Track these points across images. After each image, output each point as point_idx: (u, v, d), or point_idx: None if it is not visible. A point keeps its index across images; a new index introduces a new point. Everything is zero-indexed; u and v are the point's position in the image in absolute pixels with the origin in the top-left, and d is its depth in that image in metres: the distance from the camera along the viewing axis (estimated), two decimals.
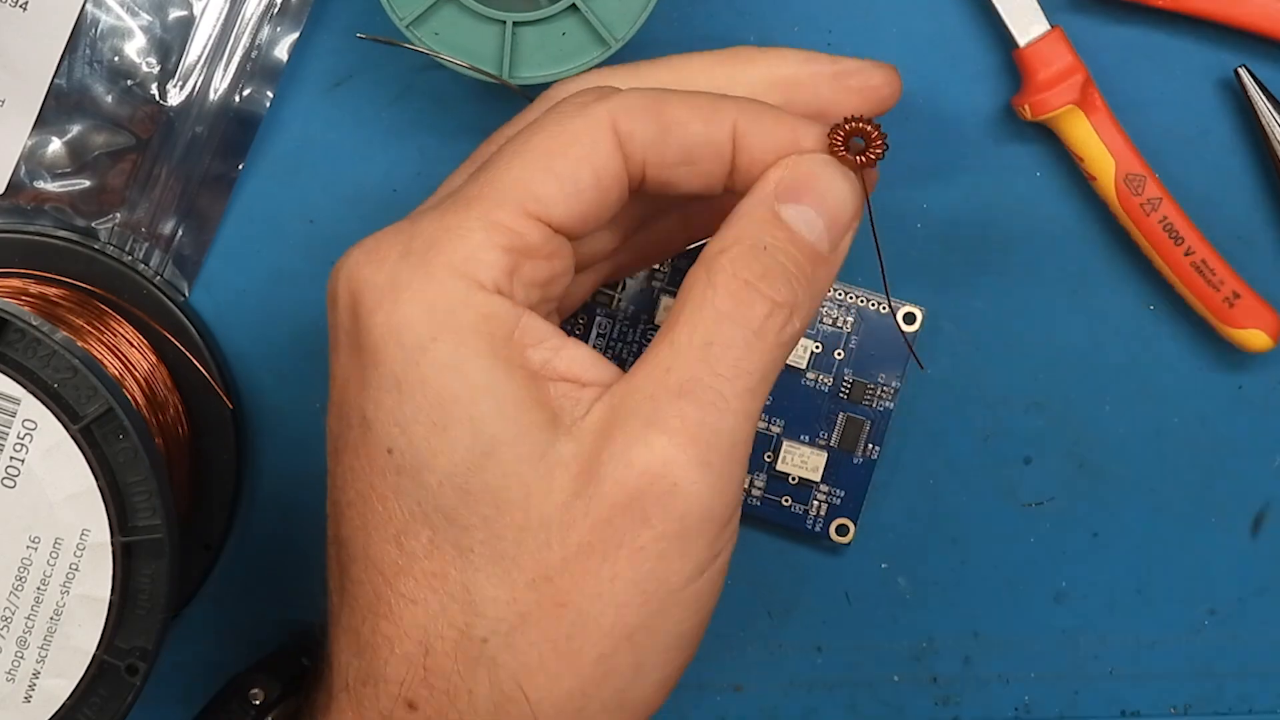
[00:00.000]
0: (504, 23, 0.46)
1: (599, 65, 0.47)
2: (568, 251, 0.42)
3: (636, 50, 0.47)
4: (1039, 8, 0.49)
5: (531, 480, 0.40)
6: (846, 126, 0.42)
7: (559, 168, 0.41)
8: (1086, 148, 0.50)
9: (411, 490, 0.40)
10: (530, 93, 0.47)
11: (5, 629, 0.42)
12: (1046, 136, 0.51)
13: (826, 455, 0.51)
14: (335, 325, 0.42)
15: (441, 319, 0.40)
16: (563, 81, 0.45)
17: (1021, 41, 0.49)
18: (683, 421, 0.40)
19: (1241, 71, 0.50)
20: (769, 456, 0.51)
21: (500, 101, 0.50)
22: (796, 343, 0.42)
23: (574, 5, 0.46)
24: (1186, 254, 0.50)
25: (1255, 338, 0.50)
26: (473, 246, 0.40)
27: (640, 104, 0.42)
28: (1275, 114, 0.50)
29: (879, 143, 0.42)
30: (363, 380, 0.41)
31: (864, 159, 0.42)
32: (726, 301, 0.41)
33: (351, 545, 0.41)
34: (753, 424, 0.41)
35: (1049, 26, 0.49)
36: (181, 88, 0.50)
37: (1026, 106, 0.49)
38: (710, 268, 0.41)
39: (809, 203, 0.42)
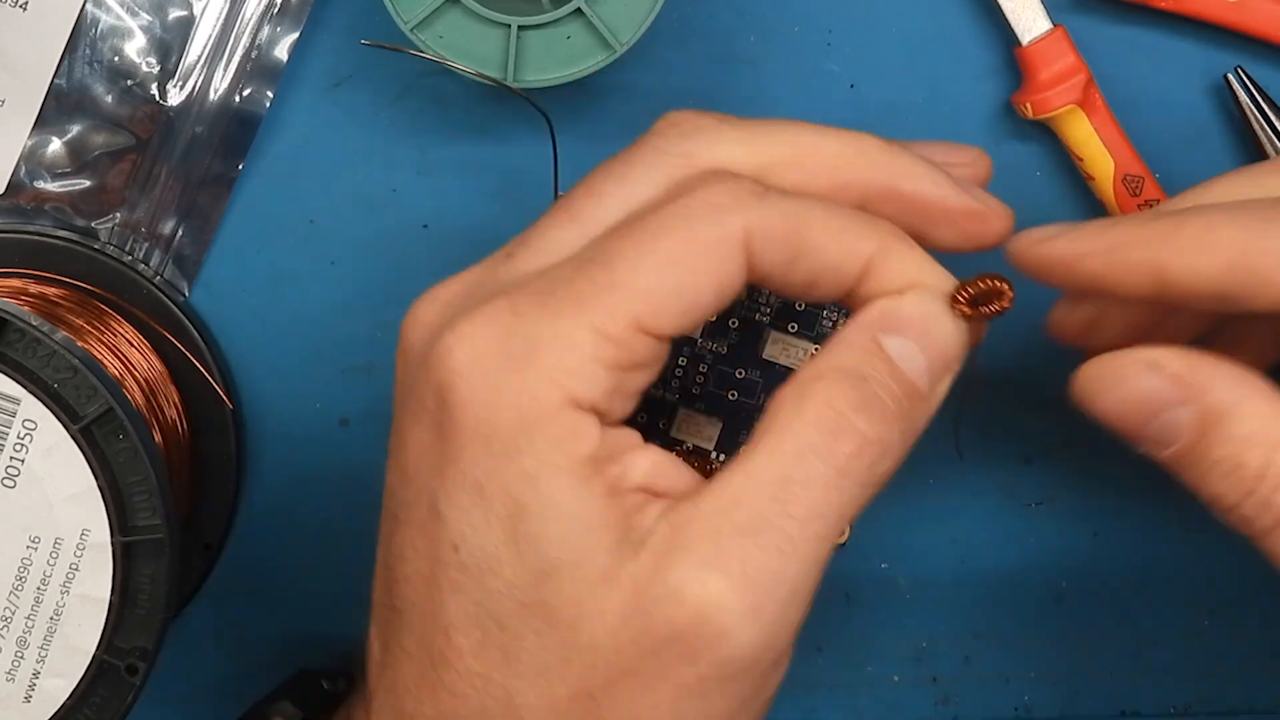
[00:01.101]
0: (509, 26, 0.46)
1: (602, 69, 0.47)
2: (666, 352, 0.41)
3: (640, 54, 0.47)
4: (1042, 7, 0.49)
5: (588, 603, 0.39)
6: (982, 285, 0.40)
7: (684, 281, 0.39)
8: (1086, 148, 0.50)
9: (471, 590, 0.39)
10: (533, 96, 0.47)
11: (5, 629, 0.42)
12: (1046, 136, 0.51)
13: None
14: (413, 392, 0.41)
15: (533, 432, 0.39)
16: (683, 123, 0.42)
17: (1024, 40, 0.49)
18: (743, 565, 0.38)
19: (1231, 76, 0.50)
20: None
21: (502, 103, 0.50)
22: (883, 485, 0.40)
23: (579, 9, 0.46)
24: None
25: None
26: (579, 360, 0.39)
27: (781, 224, 0.40)
28: (1265, 118, 0.50)
29: (1006, 302, 0.41)
30: (440, 468, 0.40)
31: (984, 312, 0.41)
32: (814, 433, 0.39)
33: (406, 616, 0.41)
34: (820, 569, 0.39)
35: (1051, 25, 0.49)
36: (181, 88, 0.50)
37: (1028, 105, 0.49)
38: (802, 393, 0.39)
39: (913, 338, 0.40)
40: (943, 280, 0.41)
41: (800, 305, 0.48)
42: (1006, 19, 0.49)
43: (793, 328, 0.48)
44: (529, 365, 0.39)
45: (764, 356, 0.48)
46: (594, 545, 0.39)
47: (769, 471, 0.39)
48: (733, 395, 0.48)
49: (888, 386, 0.40)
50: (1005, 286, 0.40)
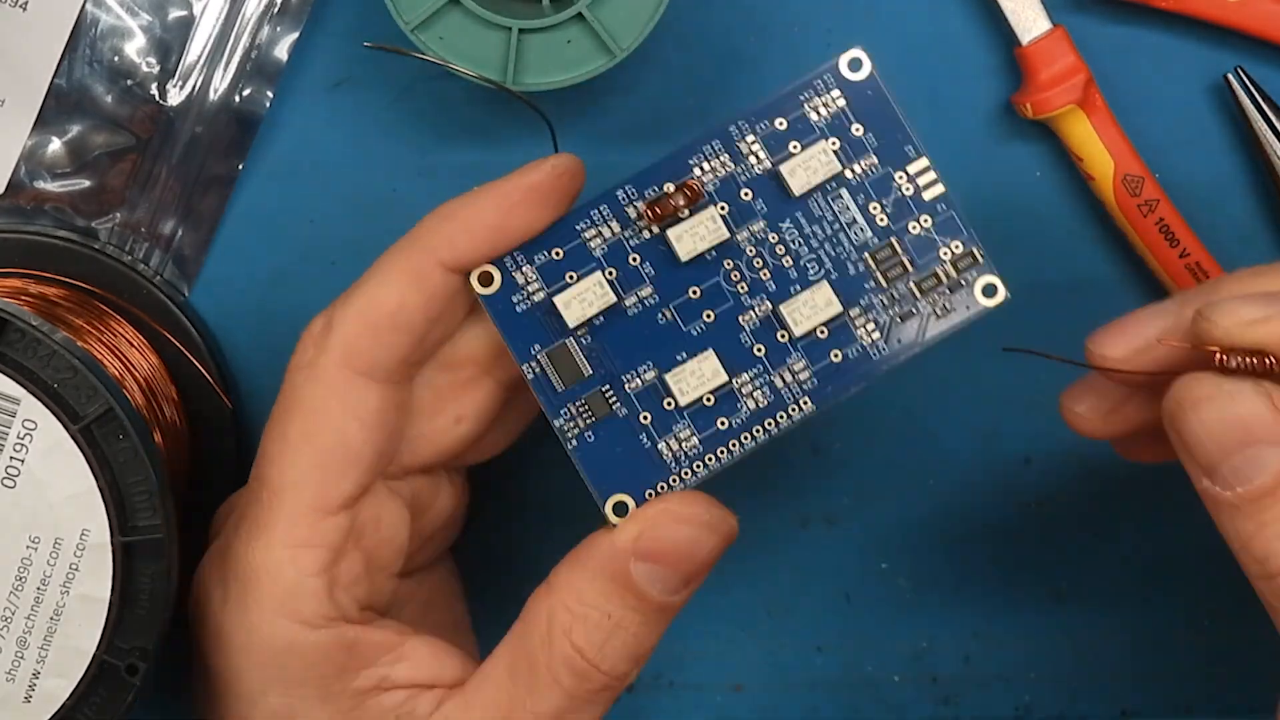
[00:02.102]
0: (509, 29, 0.46)
1: (603, 73, 0.47)
2: (381, 508, 0.44)
3: (640, 55, 0.47)
4: (1042, 7, 0.49)
5: None
6: None
7: (326, 445, 0.42)
8: (1086, 147, 0.50)
9: None
10: (533, 98, 0.47)
11: (5, 629, 0.42)
12: (1046, 136, 0.51)
13: (828, 285, 0.44)
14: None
15: (269, 672, 0.42)
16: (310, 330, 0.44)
17: (1024, 40, 0.49)
18: None
19: (1231, 76, 0.50)
20: (781, 336, 0.44)
21: (501, 104, 0.50)
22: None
23: (580, 14, 0.46)
24: (1181, 255, 0.50)
25: None
26: (289, 582, 0.42)
27: (358, 331, 0.43)
28: (1265, 118, 0.50)
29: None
30: (210, 704, 0.44)
31: None
32: (561, 669, 0.42)
33: None
34: None
35: (1052, 25, 0.49)
36: (181, 88, 0.50)
37: (1028, 105, 0.49)
38: (553, 624, 0.42)
39: (668, 564, 0.42)
40: None
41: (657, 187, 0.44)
42: (1006, 19, 0.49)
43: (683, 213, 0.44)
44: (249, 606, 0.42)
45: (684, 258, 0.44)
46: None
47: (525, 701, 0.42)
48: (708, 317, 0.44)
49: (634, 620, 0.42)
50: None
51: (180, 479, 0.50)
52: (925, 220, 0.44)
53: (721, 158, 0.44)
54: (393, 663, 0.43)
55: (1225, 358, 0.39)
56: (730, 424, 0.44)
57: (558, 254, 0.43)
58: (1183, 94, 0.51)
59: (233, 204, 0.51)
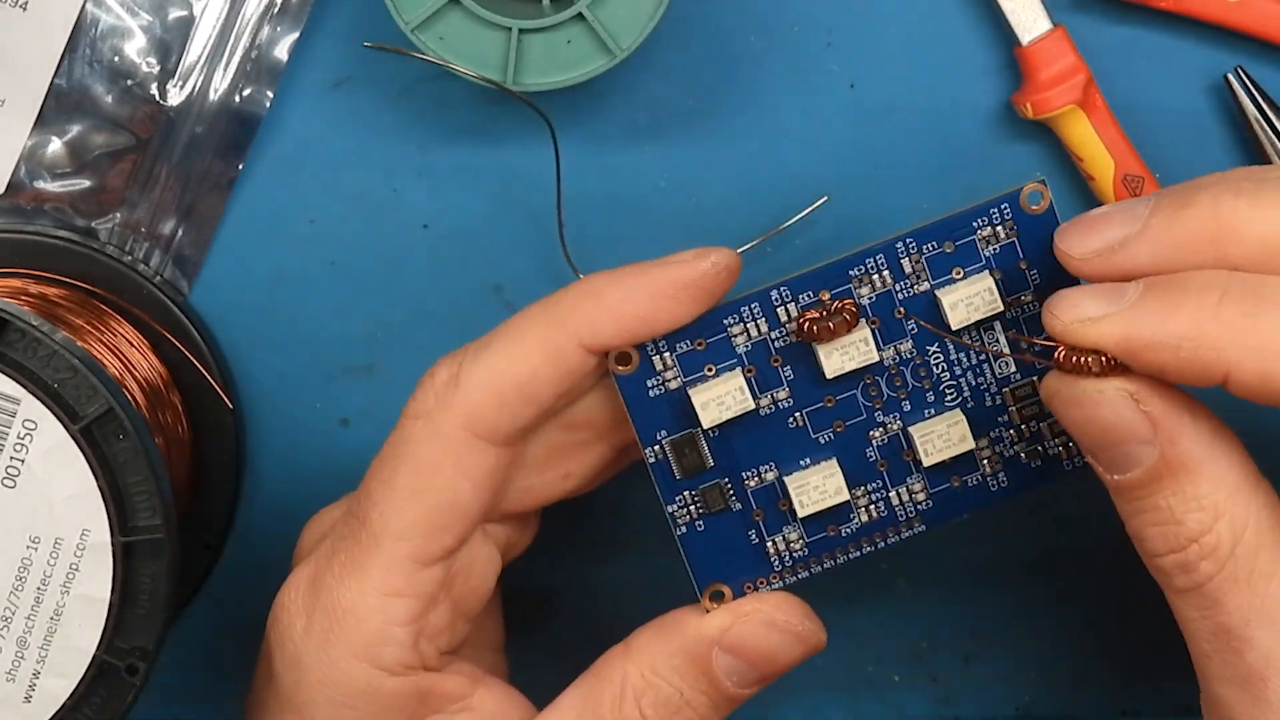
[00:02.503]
0: (510, 29, 0.46)
1: (603, 73, 0.47)
2: (472, 557, 0.44)
3: (640, 56, 0.47)
4: (1042, 7, 0.49)
5: None
6: None
7: (432, 503, 0.42)
8: (1086, 147, 0.50)
9: None
10: (533, 98, 0.47)
11: (5, 629, 0.42)
12: (1046, 136, 0.51)
13: (964, 417, 0.44)
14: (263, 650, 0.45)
15: (342, 711, 0.42)
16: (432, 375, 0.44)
17: (1024, 40, 0.49)
18: None
19: (1231, 77, 0.50)
20: (906, 455, 0.44)
21: (501, 104, 0.50)
22: None
23: (580, 14, 0.46)
24: None
25: None
26: (372, 631, 0.42)
27: (486, 396, 0.42)
28: (1265, 118, 0.50)
29: None
30: (265, 700, 0.44)
31: None
32: None
33: None
34: None
35: (1052, 25, 0.49)
36: (181, 88, 0.50)
37: (1028, 105, 0.49)
38: (624, 688, 0.42)
39: (749, 661, 0.43)
40: None
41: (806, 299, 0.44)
42: (1006, 19, 0.49)
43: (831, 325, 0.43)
44: (331, 644, 0.42)
45: (829, 375, 0.43)
46: None
47: None
48: (838, 427, 0.44)
49: (705, 704, 0.43)
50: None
51: (180, 479, 0.50)
52: None
53: (883, 274, 0.43)
54: (458, 712, 0.43)
55: (1063, 357, 0.39)
56: (840, 533, 0.44)
57: (700, 345, 0.43)
58: (1183, 94, 0.51)
59: (233, 204, 0.51)
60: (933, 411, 0.43)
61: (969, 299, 0.43)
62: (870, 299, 0.43)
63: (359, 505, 0.43)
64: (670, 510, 0.43)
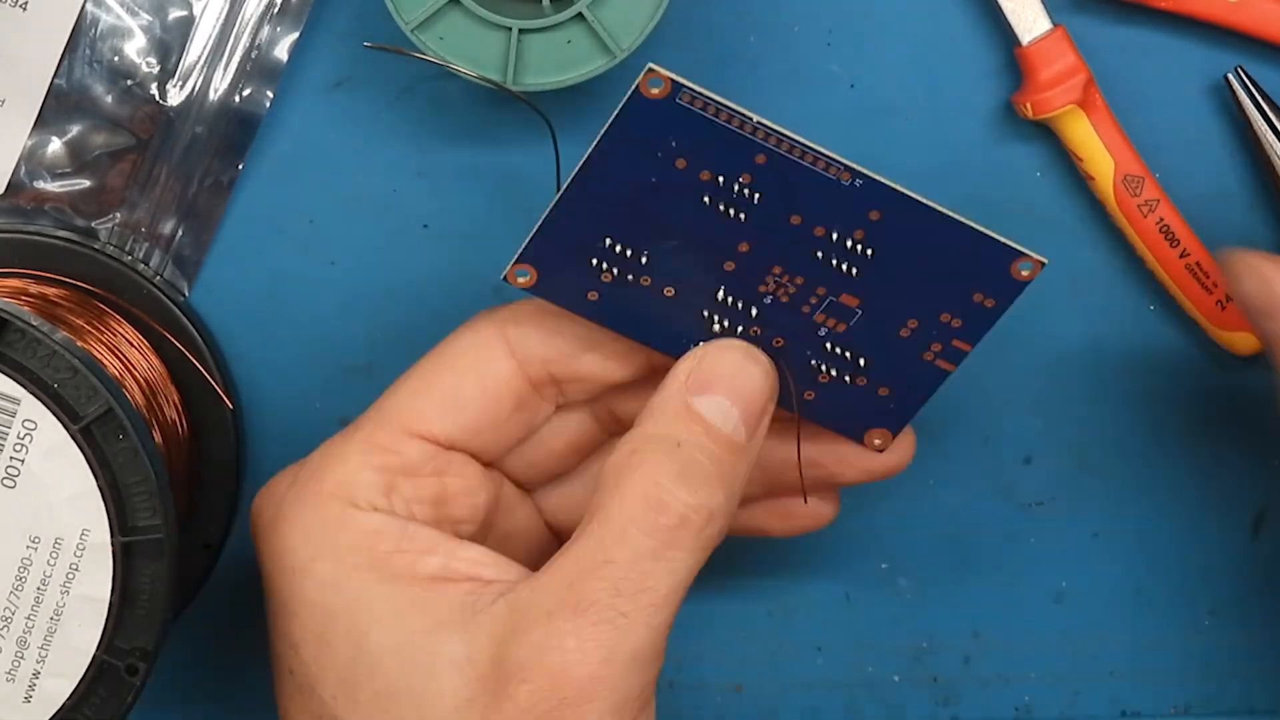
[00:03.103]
0: (509, 29, 0.46)
1: (603, 73, 0.47)
2: (468, 469, 0.44)
3: (640, 56, 0.47)
4: (1042, 6, 0.49)
5: (419, 685, 0.40)
6: None
7: (441, 382, 0.43)
8: (1086, 148, 0.50)
9: (312, 706, 0.42)
10: (533, 99, 0.47)
11: (5, 629, 0.42)
12: (1046, 136, 0.51)
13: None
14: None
15: (318, 541, 0.42)
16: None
17: (1024, 40, 0.49)
18: (578, 640, 0.39)
19: (1231, 77, 0.50)
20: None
21: (501, 105, 0.50)
22: (718, 542, 0.41)
23: (580, 14, 0.46)
24: (1181, 255, 0.50)
25: (1243, 340, 0.50)
26: (349, 470, 0.42)
27: (529, 309, 0.44)
28: (1265, 118, 0.50)
29: None
30: (267, 606, 0.43)
31: None
32: (635, 508, 0.40)
33: None
34: (660, 633, 0.40)
35: (1052, 25, 0.49)
36: (181, 88, 0.50)
37: (1028, 105, 0.49)
38: (620, 469, 0.41)
39: (721, 392, 0.42)
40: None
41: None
42: (1006, 19, 0.49)
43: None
44: (307, 488, 0.43)
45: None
46: (411, 628, 0.41)
47: (594, 554, 0.40)
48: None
49: (705, 448, 0.41)
50: None
51: (180, 479, 0.50)
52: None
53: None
54: (454, 551, 0.42)
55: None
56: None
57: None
58: (1183, 94, 0.51)
59: (233, 204, 0.51)
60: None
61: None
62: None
63: (375, 402, 0.44)
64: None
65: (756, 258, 0.44)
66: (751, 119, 0.43)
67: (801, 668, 0.53)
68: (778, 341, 0.45)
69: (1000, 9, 0.49)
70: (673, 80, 0.42)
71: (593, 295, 0.44)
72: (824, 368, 0.45)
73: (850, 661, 0.53)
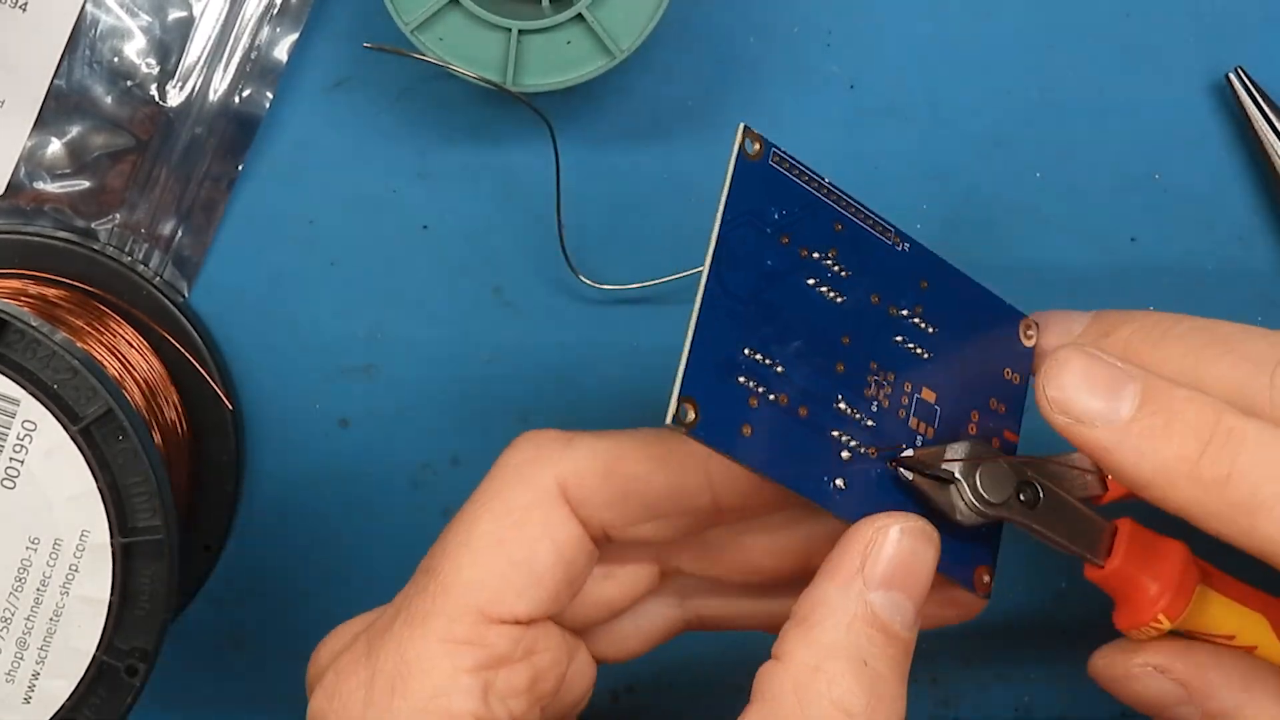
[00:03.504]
0: (509, 30, 0.46)
1: (603, 74, 0.47)
2: (551, 639, 0.40)
3: (640, 57, 0.47)
4: None
5: None
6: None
7: (512, 555, 0.39)
8: None
9: None
10: (533, 99, 0.47)
11: (5, 630, 0.42)
12: (1043, 134, 0.51)
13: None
14: None
15: None
16: (529, 439, 0.40)
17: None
18: None
19: (1232, 76, 0.50)
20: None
21: (501, 105, 0.50)
22: None
23: (580, 15, 0.46)
24: None
25: None
26: (440, 678, 0.38)
27: (593, 463, 0.39)
28: (1265, 118, 0.50)
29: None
30: None
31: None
32: None
33: None
34: None
35: None
36: (181, 88, 0.50)
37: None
38: (803, 691, 0.37)
39: (898, 587, 0.38)
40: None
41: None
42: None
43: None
44: (395, 705, 0.38)
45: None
46: None
47: None
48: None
49: (889, 658, 0.37)
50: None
51: (180, 480, 0.50)
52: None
53: None
54: None
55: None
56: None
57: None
58: (1183, 94, 0.51)
59: (233, 204, 0.51)
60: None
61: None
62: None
63: (430, 559, 0.40)
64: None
65: (857, 352, 0.39)
66: (824, 180, 0.39)
67: None
68: (892, 465, 0.40)
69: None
70: (763, 139, 0.38)
71: (746, 429, 0.37)
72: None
73: None
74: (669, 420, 0.36)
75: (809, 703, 0.36)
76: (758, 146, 0.38)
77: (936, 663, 0.53)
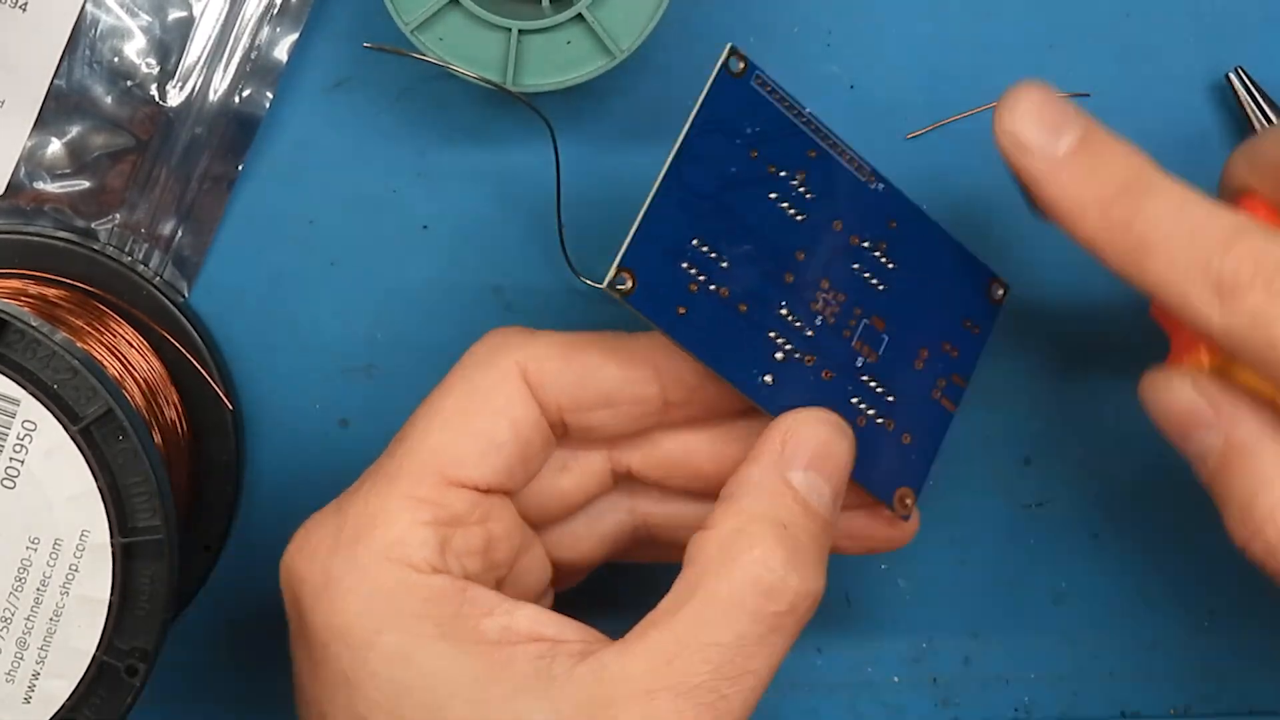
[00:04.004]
0: (509, 30, 0.46)
1: (603, 74, 0.47)
2: (505, 512, 0.43)
3: (640, 57, 0.47)
4: None
5: None
6: None
7: (473, 427, 0.42)
8: None
9: None
10: (533, 99, 0.47)
11: (5, 630, 0.42)
12: None
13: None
14: (288, 617, 0.43)
15: (381, 611, 0.40)
16: (494, 335, 0.44)
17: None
18: (680, 719, 0.39)
19: (1232, 76, 0.50)
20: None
21: (501, 105, 0.50)
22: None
23: (580, 15, 0.46)
24: None
25: None
26: (400, 529, 0.41)
27: (552, 350, 0.43)
28: (1265, 118, 0.50)
29: None
30: (315, 675, 0.41)
31: None
32: (745, 591, 0.39)
33: None
34: (752, 710, 0.40)
35: None
36: (181, 88, 0.50)
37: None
38: (725, 549, 0.40)
39: (817, 468, 0.41)
40: None
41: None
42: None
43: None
44: (357, 551, 0.41)
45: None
46: (491, 696, 0.39)
47: (697, 633, 0.39)
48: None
49: (808, 529, 0.41)
50: None
51: (180, 479, 0.50)
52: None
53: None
54: (510, 610, 0.41)
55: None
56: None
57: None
58: (1183, 94, 0.51)
59: (233, 204, 0.51)
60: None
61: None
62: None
63: (400, 433, 0.43)
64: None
65: (809, 269, 0.43)
66: (804, 110, 0.43)
67: (801, 668, 0.53)
68: (827, 375, 0.44)
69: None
70: (748, 60, 0.42)
71: (681, 309, 0.42)
72: (863, 406, 0.44)
73: (850, 662, 0.53)
74: (605, 285, 0.41)
75: (732, 560, 0.40)
76: (742, 65, 0.42)
77: (937, 663, 0.53)
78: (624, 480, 0.46)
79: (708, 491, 0.43)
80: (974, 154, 0.51)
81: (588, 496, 0.45)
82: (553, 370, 0.43)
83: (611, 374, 0.43)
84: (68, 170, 0.50)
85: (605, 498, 0.46)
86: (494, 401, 0.42)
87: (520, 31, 0.46)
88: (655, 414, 0.44)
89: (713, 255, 0.42)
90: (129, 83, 0.50)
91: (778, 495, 0.41)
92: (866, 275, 0.44)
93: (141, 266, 0.50)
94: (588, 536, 0.46)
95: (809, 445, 0.41)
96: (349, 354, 0.51)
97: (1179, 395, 0.42)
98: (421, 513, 0.41)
